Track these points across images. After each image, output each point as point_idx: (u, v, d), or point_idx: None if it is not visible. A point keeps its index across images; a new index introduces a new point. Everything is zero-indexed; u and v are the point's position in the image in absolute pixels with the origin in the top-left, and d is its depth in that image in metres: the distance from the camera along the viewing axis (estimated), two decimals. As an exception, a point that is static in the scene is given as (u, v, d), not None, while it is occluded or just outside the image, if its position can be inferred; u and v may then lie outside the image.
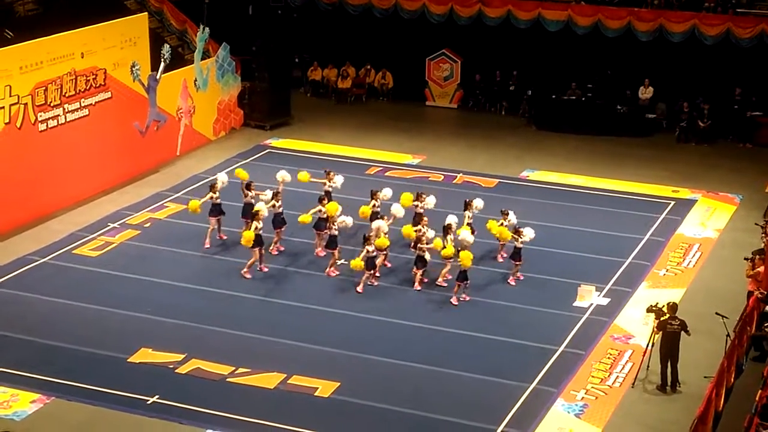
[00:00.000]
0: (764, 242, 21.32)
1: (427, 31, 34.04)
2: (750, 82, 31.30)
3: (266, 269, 21.65)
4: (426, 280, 21.20)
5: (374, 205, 22.64)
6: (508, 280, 21.44)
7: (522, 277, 21.53)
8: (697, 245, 23.70)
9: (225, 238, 22.95)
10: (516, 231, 21.55)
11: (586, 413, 16.99)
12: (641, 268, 22.36)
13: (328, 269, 21.60)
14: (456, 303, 20.52)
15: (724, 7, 31.49)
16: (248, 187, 22.77)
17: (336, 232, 21.56)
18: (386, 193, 23.15)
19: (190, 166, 27.87)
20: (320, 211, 21.95)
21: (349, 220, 21.81)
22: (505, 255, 22.09)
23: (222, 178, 23.39)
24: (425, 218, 21.91)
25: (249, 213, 22.03)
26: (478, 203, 22.74)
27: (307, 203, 22.72)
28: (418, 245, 20.95)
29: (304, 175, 23.90)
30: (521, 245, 21.38)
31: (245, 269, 21.41)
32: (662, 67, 32.28)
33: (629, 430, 16.64)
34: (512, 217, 22.31)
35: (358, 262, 20.75)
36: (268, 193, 22.41)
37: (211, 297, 20.69)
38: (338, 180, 23.63)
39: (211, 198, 22.70)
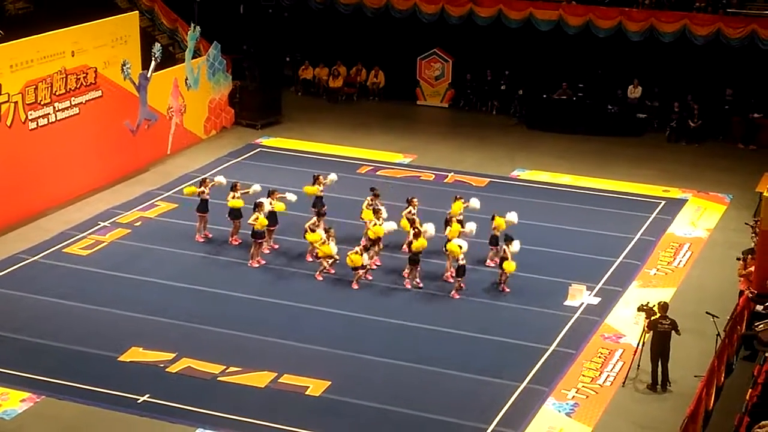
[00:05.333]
0: (754, 242, 21.34)
1: (418, 30, 34.02)
2: (740, 82, 31.36)
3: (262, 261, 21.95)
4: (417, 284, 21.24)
5: (410, 212, 22.23)
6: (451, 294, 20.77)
7: (457, 294, 20.79)
8: (687, 245, 23.73)
9: (210, 236, 22.95)
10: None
11: (576, 412, 17.00)
12: (632, 268, 22.38)
13: (317, 274, 21.42)
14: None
15: (715, 7, 31.53)
16: (233, 188, 22.80)
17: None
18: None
19: (180, 165, 27.81)
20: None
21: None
22: (496, 262, 21.60)
23: (220, 179, 23.51)
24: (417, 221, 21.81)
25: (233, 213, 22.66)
26: (475, 203, 22.79)
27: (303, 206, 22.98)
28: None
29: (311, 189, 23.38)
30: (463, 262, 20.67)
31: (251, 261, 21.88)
32: (653, 67, 32.32)
33: (620, 429, 16.65)
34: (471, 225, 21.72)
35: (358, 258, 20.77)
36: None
37: (201, 296, 20.66)
38: (332, 177, 23.64)
39: (201, 194, 22.82)
